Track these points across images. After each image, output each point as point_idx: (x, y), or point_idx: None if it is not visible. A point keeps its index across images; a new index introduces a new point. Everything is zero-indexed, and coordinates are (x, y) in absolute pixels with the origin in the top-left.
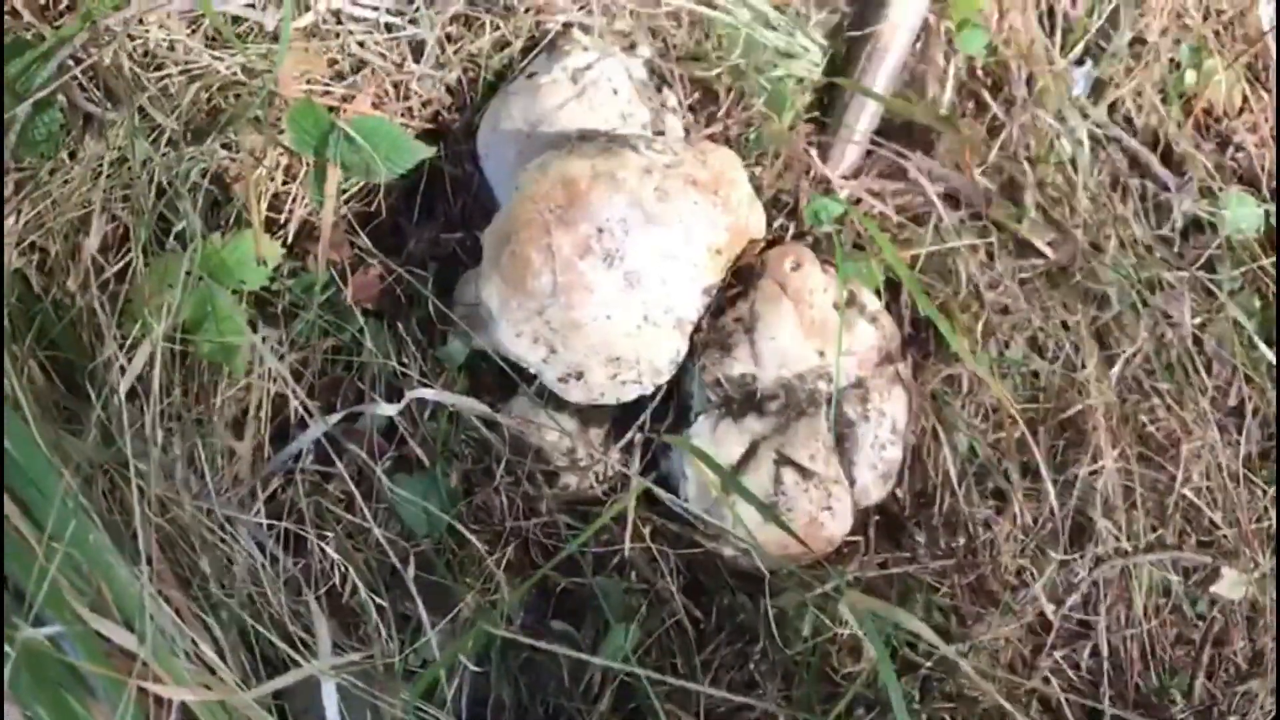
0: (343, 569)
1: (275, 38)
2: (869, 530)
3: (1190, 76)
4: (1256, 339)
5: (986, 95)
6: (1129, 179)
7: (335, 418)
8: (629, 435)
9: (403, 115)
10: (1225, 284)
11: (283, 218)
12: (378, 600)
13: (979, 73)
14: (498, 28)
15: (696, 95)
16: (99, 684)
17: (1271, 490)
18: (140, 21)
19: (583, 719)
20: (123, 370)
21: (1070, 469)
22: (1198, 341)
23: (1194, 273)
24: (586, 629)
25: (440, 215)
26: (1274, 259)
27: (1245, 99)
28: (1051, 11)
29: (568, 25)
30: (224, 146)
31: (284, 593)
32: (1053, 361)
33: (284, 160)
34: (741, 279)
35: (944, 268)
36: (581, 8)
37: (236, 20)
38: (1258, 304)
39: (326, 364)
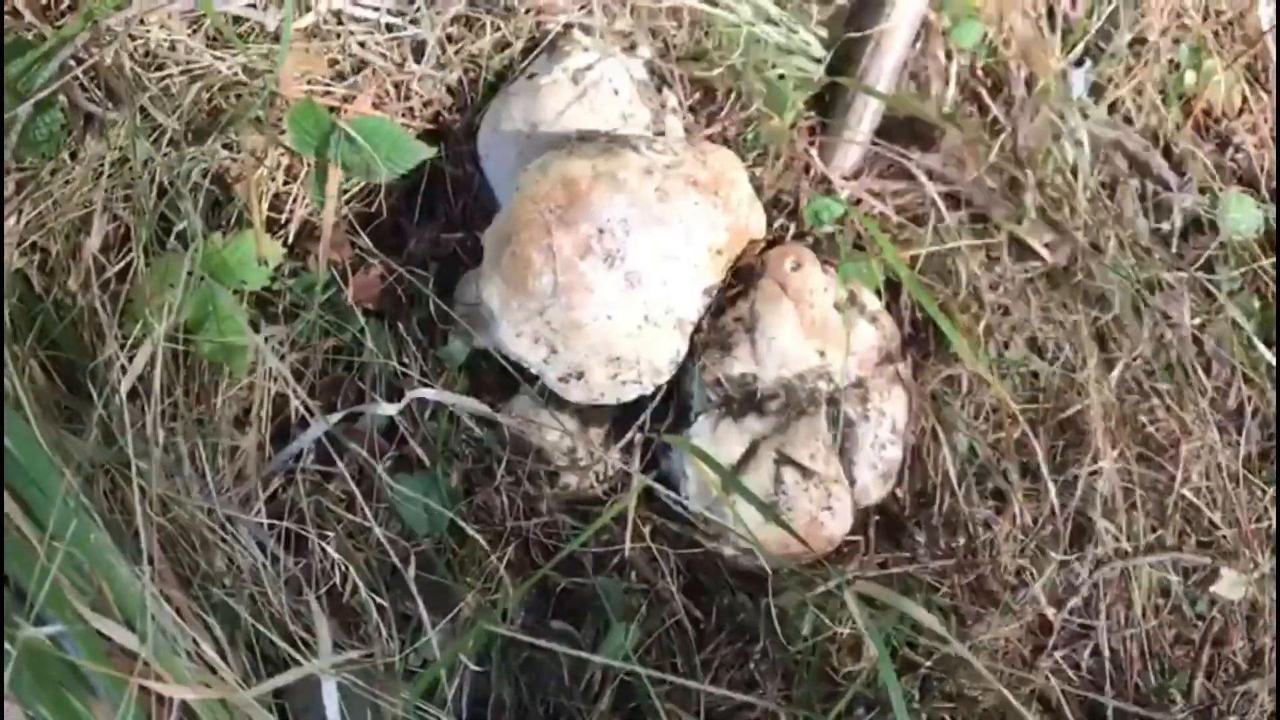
0: (343, 568)
1: (276, 38)
2: (869, 530)
3: (1190, 77)
4: (1256, 340)
5: (986, 96)
6: (1129, 179)
7: (336, 417)
8: (629, 435)
9: (403, 115)
10: (1224, 285)
11: (284, 218)
12: (378, 600)
13: (979, 73)
14: (498, 28)
15: (697, 95)
16: (100, 683)
17: (1271, 490)
18: (141, 21)
19: (583, 718)
20: (124, 370)
21: (1070, 469)
22: (1197, 342)
23: (1193, 273)
24: (587, 628)
25: (441, 215)
26: (1273, 259)
27: (1245, 99)
28: (1051, 12)
29: (568, 26)
30: (225, 146)
31: (285, 592)
32: (1052, 362)
33: (285, 160)
34: (742, 279)
35: (944, 268)
36: (582, 8)
37: (237, 20)
38: (1257, 305)
39: (327, 364)
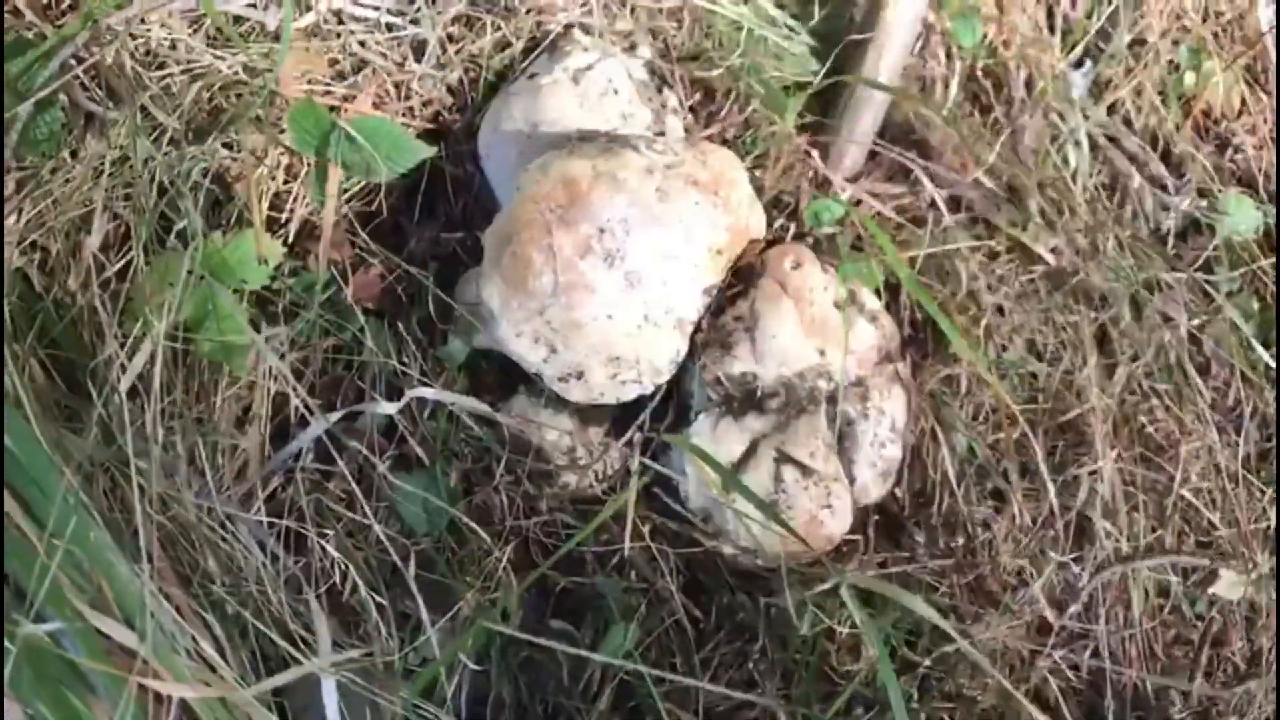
0: (343, 567)
1: (277, 37)
2: (868, 529)
3: (1189, 78)
4: (1254, 341)
5: (986, 97)
6: (1128, 180)
7: (336, 416)
8: (629, 434)
9: (404, 115)
10: (1223, 285)
11: (284, 217)
12: (378, 598)
13: (979, 74)
14: (499, 28)
15: (697, 96)
16: (99, 681)
17: (1270, 491)
18: (142, 21)
19: (582, 717)
20: (124, 369)
21: (1069, 470)
22: (1196, 343)
23: (1192, 274)
24: (586, 627)
25: (441, 215)
26: (1272, 260)
27: (1244, 101)
28: (1051, 13)
29: (569, 26)
30: (225, 146)
31: (284, 590)
32: (1052, 363)
33: (285, 159)
34: (742, 278)
35: (943, 269)
36: (583, 8)
37: (238, 20)
38: (1256, 306)
39: (327, 363)
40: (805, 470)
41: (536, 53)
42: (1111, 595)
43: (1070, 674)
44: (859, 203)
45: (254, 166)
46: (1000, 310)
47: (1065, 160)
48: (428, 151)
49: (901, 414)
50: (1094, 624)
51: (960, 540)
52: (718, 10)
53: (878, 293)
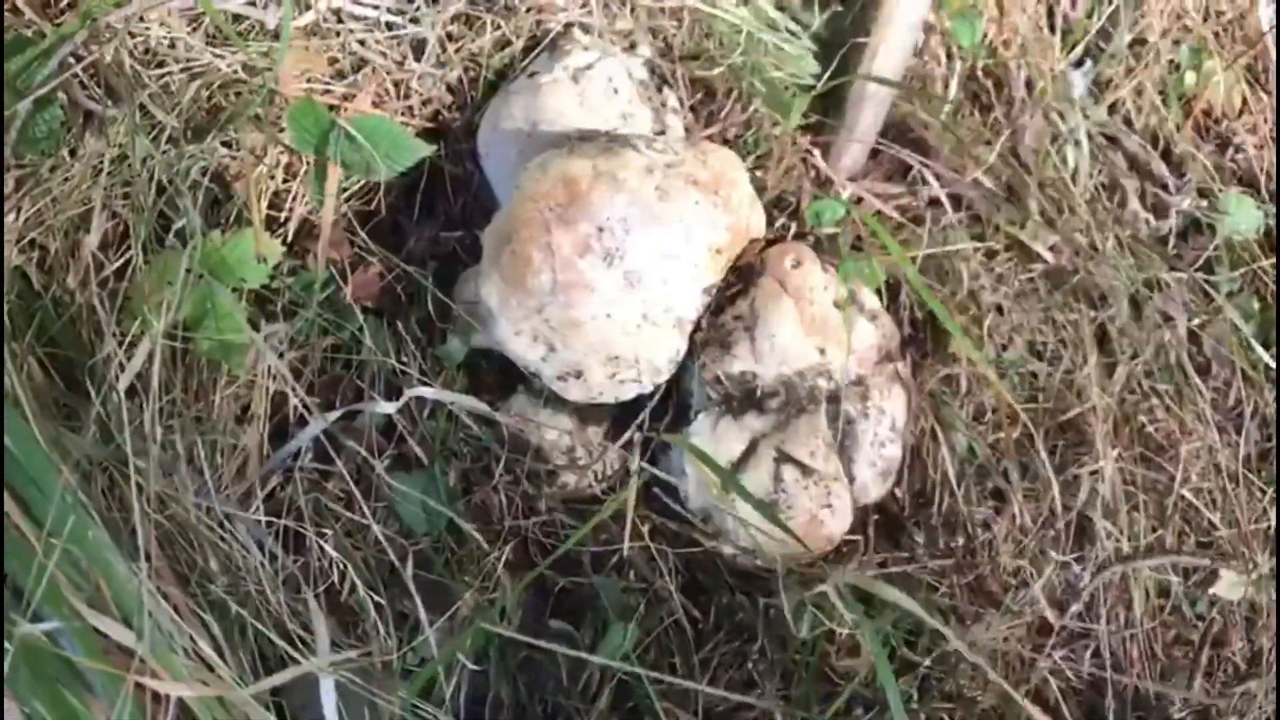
0: (341, 567)
1: (276, 36)
2: (868, 530)
3: (1190, 77)
4: (1254, 342)
5: (986, 96)
6: (1128, 180)
7: (334, 415)
8: (628, 434)
9: (403, 114)
10: (1223, 285)
11: (283, 216)
12: (376, 598)
13: (979, 74)
14: (499, 27)
15: (698, 95)
16: (97, 680)
17: (1270, 491)
18: (141, 19)
19: (581, 718)
20: (122, 367)
21: (1069, 469)
22: (1196, 342)
23: (1192, 274)
24: (585, 628)
25: (440, 214)
26: (1273, 260)
27: (1244, 100)
28: (1051, 12)
29: (569, 25)
30: (224, 144)
31: (282, 590)
32: (1052, 362)
33: (284, 158)
34: (742, 277)
35: (942, 269)
36: (583, 7)
37: (237, 18)
38: (1256, 306)
39: (326, 362)
40: (805, 470)
41: (536, 51)
42: (1112, 595)
43: (1070, 674)
44: (860, 201)
45: (253, 165)
46: (1000, 309)
47: (1065, 160)
48: (427, 150)
49: (901, 413)
50: (1094, 621)
51: (960, 540)
52: (717, 14)
53: (878, 292)
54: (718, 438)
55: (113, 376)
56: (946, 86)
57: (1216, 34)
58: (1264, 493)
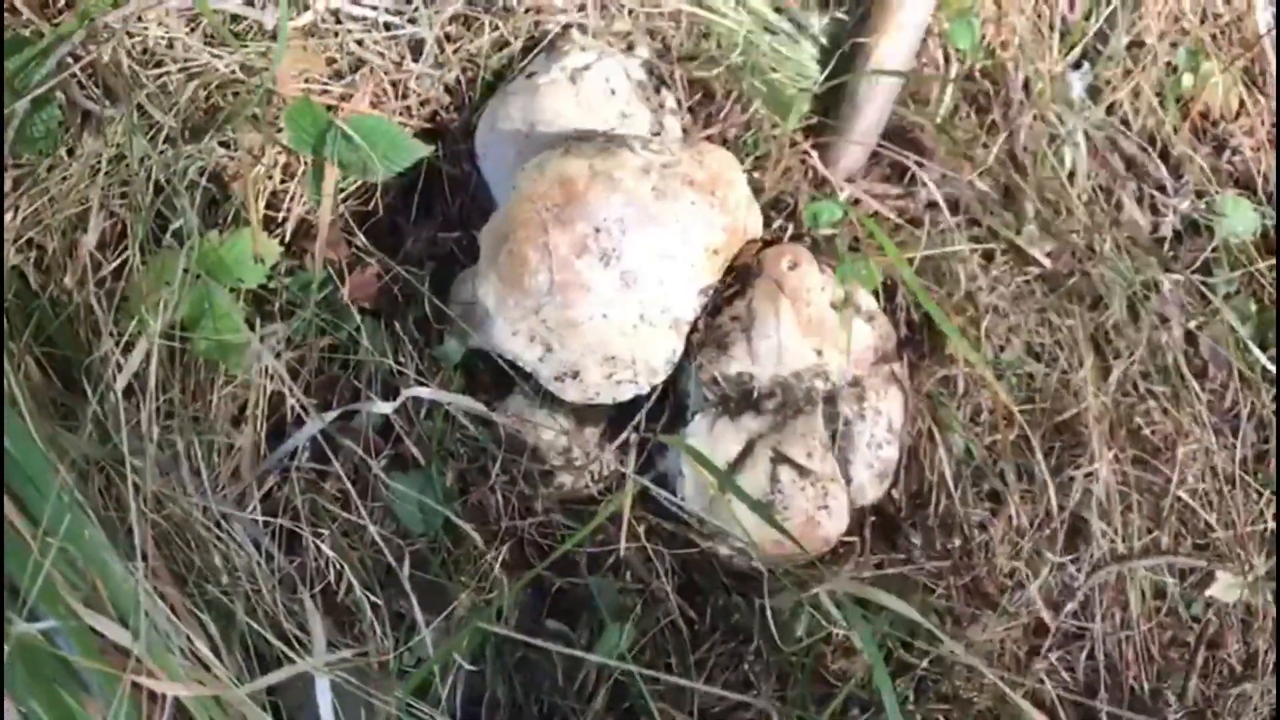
0: (338, 567)
1: (274, 36)
2: (865, 531)
3: (1187, 79)
4: (1250, 344)
5: (984, 98)
6: (1125, 182)
7: (331, 415)
8: (625, 434)
9: (401, 114)
10: (1220, 287)
11: (280, 216)
12: (372, 598)
13: (977, 75)
14: (496, 28)
15: (697, 96)
16: (93, 679)
17: (1267, 493)
18: (139, 19)
19: (577, 718)
20: (119, 367)
21: (1066, 471)
22: (1194, 344)
23: (1189, 276)
24: (581, 628)
25: (438, 214)
26: (1270, 262)
27: (1242, 102)
28: (1049, 14)
29: (567, 26)
30: (222, 144)
31: (279, 590)
32: (1049, 364)
33: (282, 158)
34: (739, 278)
35: (939, 270)
36: (580, 8)
37: (235, 18)
38: (1253, 308)
39: (323, 362)
40: (802, 471)
41: (534, 52)
42: (1108, 597)
43: (1066, 676)
44: (857, 203)
45: (251, 165)
46: (997, 310)
47: (1062, 161)
48: (425, 151)
49: (898, 415)
50: (1090, 622)
51: (957, 541)
52: (714, 18)
53: (875, 294)
54: (714, 439)
55: (110, 376)
56: (943, 88)
57: (1214, 36)
58: (1260, 495)
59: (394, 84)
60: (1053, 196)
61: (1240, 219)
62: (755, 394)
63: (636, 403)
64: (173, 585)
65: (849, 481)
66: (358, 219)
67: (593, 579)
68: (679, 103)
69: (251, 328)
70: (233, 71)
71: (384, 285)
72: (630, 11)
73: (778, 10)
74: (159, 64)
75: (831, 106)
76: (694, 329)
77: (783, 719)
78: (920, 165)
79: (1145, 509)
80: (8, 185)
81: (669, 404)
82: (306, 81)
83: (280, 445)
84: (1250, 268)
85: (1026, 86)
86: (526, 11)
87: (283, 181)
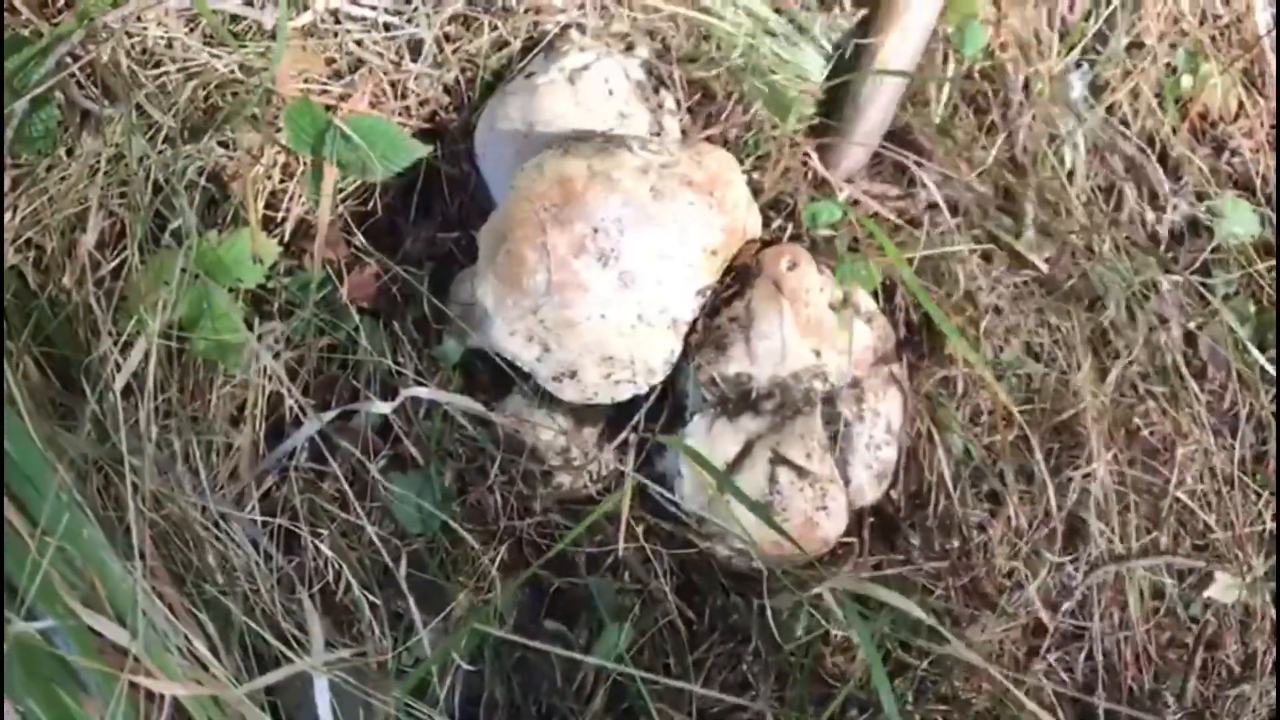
0: (336, 567)
1: (273, 36)
2: (863, 531)
3: (1187, 81)
4: (1249, 345)
5: (983, 99)
6: (1125, 183)
7: (330, 416)
8: (623, 434)
9: (400, 114)
10: (1219, 288)
11: (279, 216)
12: (371, 598)
13: (976, 75)
14: (496, 28)
15: (697, 97)
16: (91, 679)
17: (1265, 494)
18: (138, 19)
19: (576, 718)
20: (118, 366)
21: (1064, 472)
22: (1193, 345)
23: (1188, 278)
24: (580, 629)
25: (437, 214)
26: (1269, 263)
27: (1241, 104)
28: (1049, 15)
29: (566, 26)
30: (221, 144)
31: (277, 590)
32: (1048, 365)
33: (281, 158)
34: (738, 278)
35: (938, 270)
36: (580, 8)
37: (234, 18)
38: (1252, 309)
39: (322, 362)
40: (800, 471)
41: (533, 53)
42: (1106, 597)
43: (1065, 676)
44: (856, 203)
45: (250, 165)
46: (996, 311)
47: (1062, 162)
48: (423, 151)
49: (897, 415)
50: (1089, 623)
51: (956, 542)
52: (712, 21)
53: (875, 294)
54: (713, 439)
55: (109, 376)
56: (943, 89)
57: (1213, 37)
58: (1259, 496)
59: (393, 84)
60: (1052, 197)
61: (1239, 220)
62: (754, 395)
63: (635, 403)
64: (171, 585)
65: (848, 482)
66: (356, 219)
67: (591, 579)
68: (678, 103)
69: (250, 327)
70: (232, 71)
71: (383, 285)
72: (630, 13)
73: (777, 11)
74: (158, 64)
75: (832, 108)
76: (692, 329)
77: None
78: (920, 166)
79: (1144, 509)
80: (7, 185)
81: (667, 404)
82: (305, 81)
83: (279, 445)
84: (1249, 269)
85: (1026, 87)
86: (526, 12)
87: (282, 181)
